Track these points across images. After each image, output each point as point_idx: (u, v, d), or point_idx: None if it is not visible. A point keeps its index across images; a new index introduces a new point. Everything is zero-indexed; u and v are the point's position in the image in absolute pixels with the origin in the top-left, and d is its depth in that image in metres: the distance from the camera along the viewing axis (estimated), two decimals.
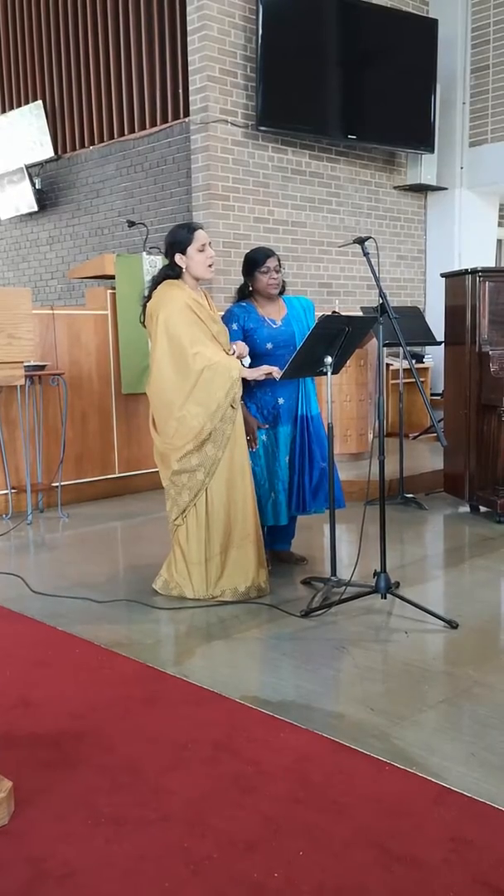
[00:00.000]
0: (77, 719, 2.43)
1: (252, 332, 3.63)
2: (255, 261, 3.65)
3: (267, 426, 3.67)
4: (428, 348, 8.29)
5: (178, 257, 3.39)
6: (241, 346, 3.47)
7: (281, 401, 3.71)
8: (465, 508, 5.14)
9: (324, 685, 2.70)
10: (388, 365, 7.57)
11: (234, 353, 3.43)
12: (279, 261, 3.69)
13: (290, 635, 3.09)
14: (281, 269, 3.69)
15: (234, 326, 3.62)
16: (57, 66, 8.85)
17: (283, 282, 3.75)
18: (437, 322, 5.59)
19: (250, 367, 3.50)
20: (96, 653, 2.96)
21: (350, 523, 4.45)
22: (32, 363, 4.98)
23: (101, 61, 8.31)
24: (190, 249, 3.38)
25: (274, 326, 3.69)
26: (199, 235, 3.40)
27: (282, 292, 3.77)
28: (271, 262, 3.64)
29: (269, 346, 3.64)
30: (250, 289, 3.71)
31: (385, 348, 3.75)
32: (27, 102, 9.23)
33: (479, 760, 2.16)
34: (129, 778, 2.10)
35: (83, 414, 5.61)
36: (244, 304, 3.70)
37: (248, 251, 3.76)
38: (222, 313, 3.68)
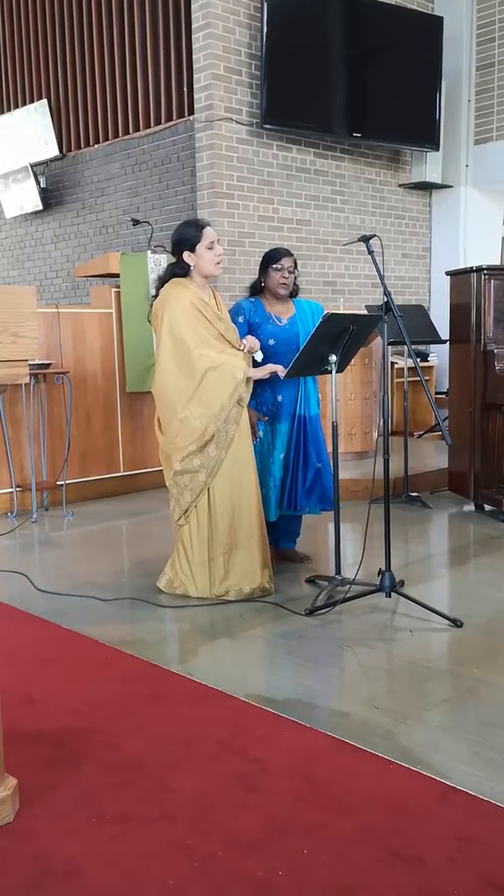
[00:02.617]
0: (81, 717, 2.44)
1: (256, 326, 3.65)
2: (271, 258, 3.71)
3: (266, 418, 3.68)
4: (433, 347, 8.27)
5: (186, 255, 3.39)
6: (252, 341, 3.45)
7: (280, 398, 3.71)
8: (470, 507, 5.13)
9: (328, 684, 2.70)
10: (392, 363, 7.56)
11: (244, 349, 3.41)
12: (295, 263, 3.72)
13: (294, 634, 3.09)
14: (296, 271, 3.71)
15: (241, 319, 3.64)
16: (62, 64, 8.85)
17: (297, 286, 3.77)
18: (441, 320, 5.58)
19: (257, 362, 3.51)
20: (101, 651, 2.96)
21: (354, 522, 4.45)
22: (37, 361, 4.98)
23: (105, 60, 8.31)
24: (199, 247, 3.37)
25: (279, 324, 3.71)
26: (208, 233, 3.39)
27: (293, 295, 3.79)
28: (286, 262, 3.67)
29: (271, 342, 3.65)
30: (262, 285, 3.73)
31: (390, 347, 3.75)
32: (32, 101, 9.22)
33: (484, 759, 2.15)
34: (134, 775, 2.10)
35: (88, 412, 5.62)
36: (253, 299, 3.74)
37: (255, 250, 3.79)
38: (230, 308, 3.69)
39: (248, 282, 3.90)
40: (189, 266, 3.40)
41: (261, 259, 3.77)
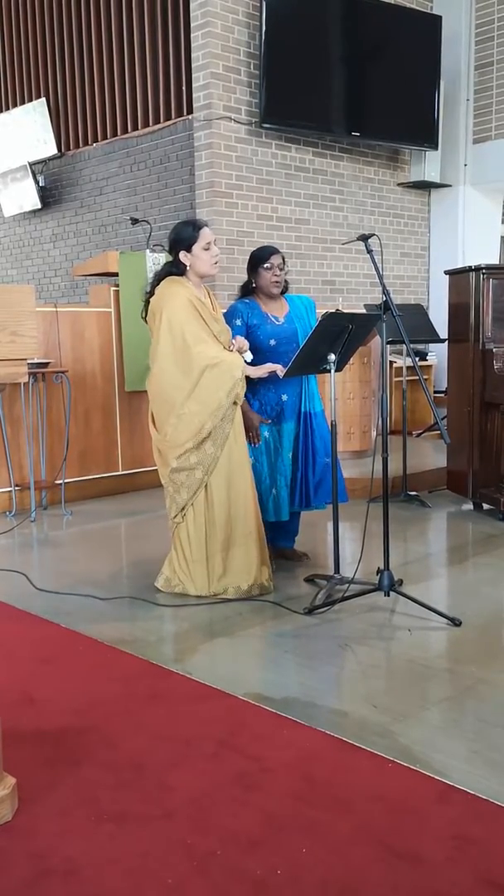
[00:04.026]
0: (80, 716, 2.44)
1: (255, 328, 3.64)
2: (259, 257, 3.68)
3: (269, 421, 3.68)
4: (431, 346, 8.28)
5: (182, 255, 3.39)
6: (241, 341, 3.46)
7: (285, 397, 3.71)
8: (469, 506, 5.13)
9: (327, 682, 2.70)
10: (391, 362, 7.56)
11: (233, 348, 3.42)
12: (283, 259, 3.71)
13: (293, 632, 3.10)
14: (285, 267, 3.71)
15: (238, 322, 3.62)
16: (60, 63, 8.84)
17: (287, 281, 3.77)
18: (440, 319, 5.59)
19: (253, 363, 3.50)
20: (100, 650, 2.96)
21: (353, 521, 4.45)
22: (36, 361, 4.98)
23: (104, 59, 8.30)
24: (195, 247, 3.37)
25: (277, 323, 3.70)
26: (205, 233, 3.39)
27: (284, 291, 3.78)
28: (275, 260, 3.66)
29: (272, 342, 3.65)
30: (253, 285, 3.72)
31: (388, 346, 3.75)
32: (31, 100, 9.22)
33: (483, 758, 2.16)
34: (133, 774, 2.10)
35: (86, 411, 5.62)
36: (247, 300, 3.71)
37: (253, 249, 3.78)
38: (225, 310, 3.68)
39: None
40: (185, 265, 3.40)
41: (248, 259, 3.75)
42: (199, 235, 3.37)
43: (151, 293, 3.43)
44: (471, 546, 4.42)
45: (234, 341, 3.45)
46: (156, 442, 3.47)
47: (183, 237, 3.39)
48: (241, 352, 3.42)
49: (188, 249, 3.38)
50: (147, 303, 3.44)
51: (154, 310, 3.38)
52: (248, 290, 3.75)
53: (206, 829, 1.85)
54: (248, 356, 3.46)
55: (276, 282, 3.68)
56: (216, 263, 3.43)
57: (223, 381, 3.30)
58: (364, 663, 2.83)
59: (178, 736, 2.29)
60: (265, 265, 3.65)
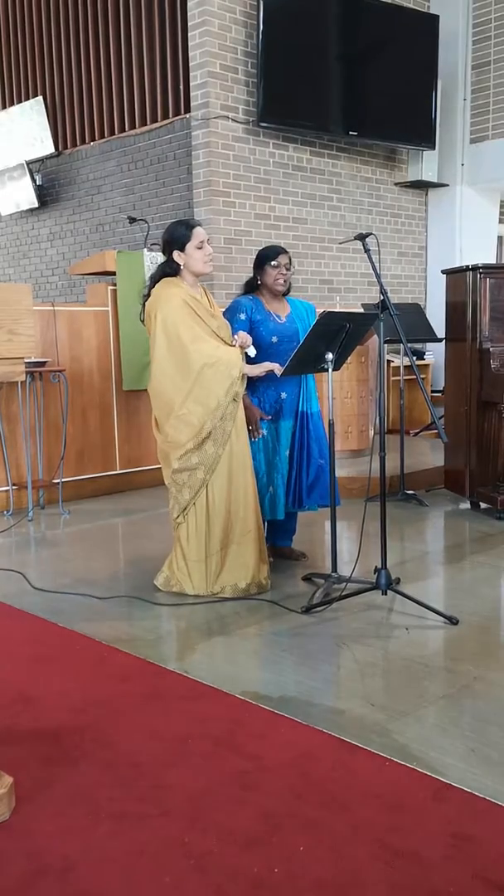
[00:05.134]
0: (78, 715, 2.44)
1: (258, 324, 3.65)
2: (267, 255, 3.71)
3: (269, 417, 3.69)
4: (429, 345, 8.28)
5: (176, 254, 3.40)
6: (244, 336, 3.45)
7: (283, 395, 3.72)
8: (466, 505, 5.14)
9: (324, 681, 2.70)
10: (388, 361, 7.57)
11: (236, 344, 3.42)
12: (290, 260, 3.73)
13: (290, 631, 3.10)
14: (291, 268, 3.72)
15: (242, 316, 3.64)
16: (58, 62, 8.84)
17: (290, 283, 3.78)
18: (437, 319, 5.59)
19: (255, 359, 3.50)
20: (97, 649, 2.96)
21: (351, 520, 4.45)
22: (33, 360, 4.98)
23: (101, 57, 8.30)
24: (188, 247, 3.38)
25: (279, 321, 3.71)
26: (198, 232, 3.40)
27: (287, 293, 3.80)
28: (283, 259, 3.68)
29: (273, 339, 3.66)
30: (258, 283, 3.73)
31: (386, 345, 3.75)
32: (28, 98, 9.21)
33: (480, 756, 2.16)
34: (130, 773, 2.10)
35: (84, 410, 5.61)
36: (251, 296, 3.74)
37: (251, 248, 3.79)
38: (222, 309, 3.69)
39: (245, 279, 3.89)
40: (179, 265, 3.41)
41: (255, 257, 3.77)
42: (192, 234, 3.38)
43: (148, 296, 3.43)
44: (468, 545, 4.43)
45: (236, 337, 3.45)
46: (160, 444, 3.48)
47: (176, 237, 3.40)
48: (244, 347, 3.42)
49: (182, 249, 3.39)
50: (145, 305, 3.45)
51: (150, 312, 3.39)
52: (252, 288, 3.77)
53: (204, 828, 1.85)
54: (252, 352, 3.46)
55: (282, 280, 3.69)
56: (210, 262, 3.45)
57: (221, 380, 3.30)
58: (361, 662, 2.83)
59: (176, 735, 2.29)
60: (272, 262, 3.68)
